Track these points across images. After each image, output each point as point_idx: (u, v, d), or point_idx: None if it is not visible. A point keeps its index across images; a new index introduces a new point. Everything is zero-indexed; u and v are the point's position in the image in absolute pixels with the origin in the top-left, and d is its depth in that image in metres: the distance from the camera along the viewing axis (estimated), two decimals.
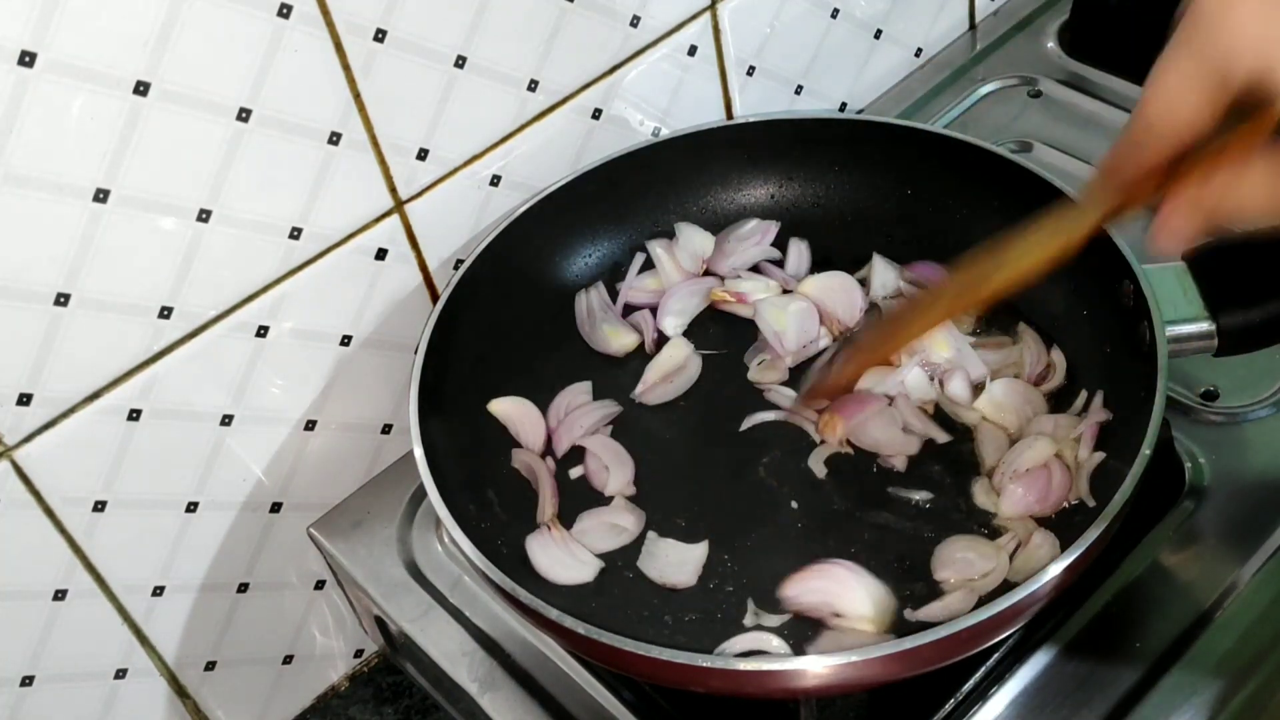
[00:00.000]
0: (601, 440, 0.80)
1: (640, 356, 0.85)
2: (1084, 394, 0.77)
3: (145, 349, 0.73)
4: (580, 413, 0.81)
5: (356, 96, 0.76)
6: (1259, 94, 0.43)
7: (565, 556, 0.74)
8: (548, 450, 0.80)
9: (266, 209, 0.75)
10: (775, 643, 0.68)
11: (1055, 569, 0.62)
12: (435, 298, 0.86)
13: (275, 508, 0.84)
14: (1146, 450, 0.65)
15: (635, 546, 0.75)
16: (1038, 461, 0.74)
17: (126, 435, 0.75)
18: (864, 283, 0.86)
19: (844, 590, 0.70)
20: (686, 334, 0.86)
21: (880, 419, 0.78)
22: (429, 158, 0.82)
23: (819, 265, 0.88)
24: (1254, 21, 0.42)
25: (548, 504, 0.76)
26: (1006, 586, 0.68)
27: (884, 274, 0.86)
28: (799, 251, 0.89)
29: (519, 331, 0.84)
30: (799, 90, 1.04)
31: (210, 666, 0.86)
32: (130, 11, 0.65)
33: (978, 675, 0.72)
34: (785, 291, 0.86)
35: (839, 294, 0.86)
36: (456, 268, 0.81)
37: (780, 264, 0.89)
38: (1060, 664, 0.71)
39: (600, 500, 0.77)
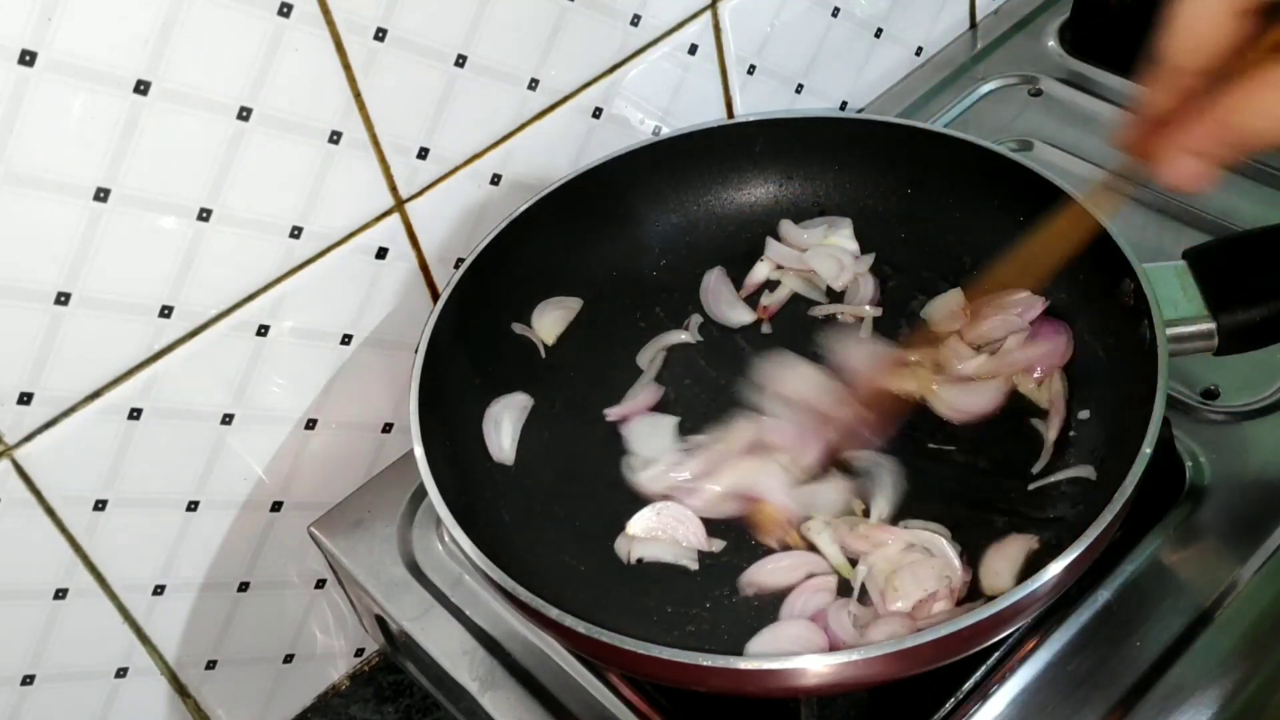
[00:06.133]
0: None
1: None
2: None
3: (146, 348, 0.74)
4: None
5: (357, 95, 0.76)
6: None
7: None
8: None
9: (267, 208, 0.75)
10: None
11: (1055, 569, 0.62)
12: (435, 297, 0.86)
13: (276, 507, 0.84)
14: (1147, 449, 0.65)
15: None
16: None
17: (127, 434, 0.75)
18: None
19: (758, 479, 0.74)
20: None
21: None
22: (429, 157, 0.82)
23: None
24: None
25: None
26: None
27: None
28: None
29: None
30: (799, 89, 1.04)
31: (211, 665, 0.86)
32: (130, 11, 0.65)
33: (978, 675, 0.72)
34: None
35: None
36: (457, 267, 0.81)
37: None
38: (1060, 663, 0.71)
39: None
